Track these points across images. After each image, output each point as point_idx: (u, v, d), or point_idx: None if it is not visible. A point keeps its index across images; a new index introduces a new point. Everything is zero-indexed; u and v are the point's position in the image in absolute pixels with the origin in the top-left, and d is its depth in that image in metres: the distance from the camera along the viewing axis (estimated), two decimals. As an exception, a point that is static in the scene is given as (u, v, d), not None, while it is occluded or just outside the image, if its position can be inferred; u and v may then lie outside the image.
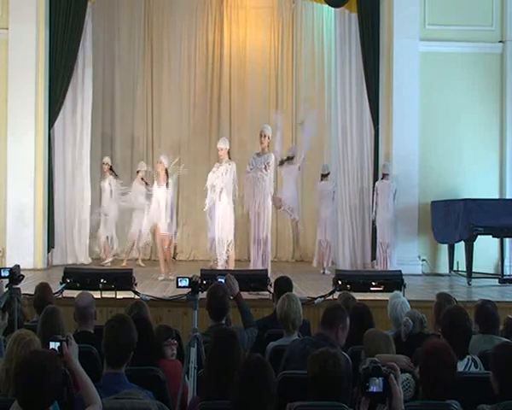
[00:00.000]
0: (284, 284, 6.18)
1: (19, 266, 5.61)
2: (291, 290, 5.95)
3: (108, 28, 14.64)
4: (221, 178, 10.06)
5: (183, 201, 14.42)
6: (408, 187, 11.85)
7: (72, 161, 12.80)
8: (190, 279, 4.79)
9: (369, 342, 4.55)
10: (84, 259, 12.80)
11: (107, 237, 12.84)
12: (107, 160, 13.18)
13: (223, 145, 10.27)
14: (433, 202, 11.89)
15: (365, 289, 8.06)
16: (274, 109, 14.51)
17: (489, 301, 5.48)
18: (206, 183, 10.31)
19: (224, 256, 9.96)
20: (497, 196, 12.03)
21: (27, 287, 6.76)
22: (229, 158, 10.29)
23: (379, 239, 11.58)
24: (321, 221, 12.28)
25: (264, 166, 9.62)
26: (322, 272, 11.88)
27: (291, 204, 12.51)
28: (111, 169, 13.09)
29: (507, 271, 11.36)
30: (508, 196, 12.04)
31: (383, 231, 11.49)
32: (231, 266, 9.91)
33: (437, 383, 3.47)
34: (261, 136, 9.91)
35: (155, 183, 10.96)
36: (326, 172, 12.41)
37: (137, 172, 13.15)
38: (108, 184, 12.86)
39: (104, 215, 12.76)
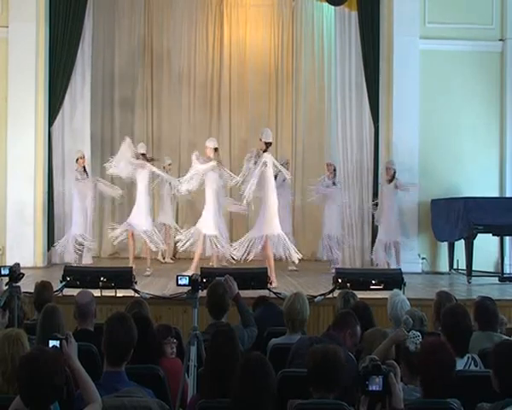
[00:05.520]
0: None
1: (19, 264, 5.62)
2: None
3: (108, 27, 14.61)
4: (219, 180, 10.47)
5: (183, 199, 14.37)
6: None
7: (72, 160, 12.72)
8: (190, 277, 4.78)
9: (367, 341, 4.56)
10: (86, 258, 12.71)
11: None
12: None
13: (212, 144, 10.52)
14: (433, 201, 11.88)
15: (365, 287, 8.04)
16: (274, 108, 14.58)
17: (488, 297, 5.46)
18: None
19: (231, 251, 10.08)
20: (497, 195, 12.02)
21: (27, 285, 6.73)
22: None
23: (384, 239, 11.41)
24: (325, 217, 12.12)
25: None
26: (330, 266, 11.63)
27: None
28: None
29: (507, 269, 11.34)
30: (508, 195, 12.04)
31: (390, 229, 11.33)
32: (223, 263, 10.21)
33: (436, 381, 3.47)
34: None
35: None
36: None
37: (163, 167, 12.91)
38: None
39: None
